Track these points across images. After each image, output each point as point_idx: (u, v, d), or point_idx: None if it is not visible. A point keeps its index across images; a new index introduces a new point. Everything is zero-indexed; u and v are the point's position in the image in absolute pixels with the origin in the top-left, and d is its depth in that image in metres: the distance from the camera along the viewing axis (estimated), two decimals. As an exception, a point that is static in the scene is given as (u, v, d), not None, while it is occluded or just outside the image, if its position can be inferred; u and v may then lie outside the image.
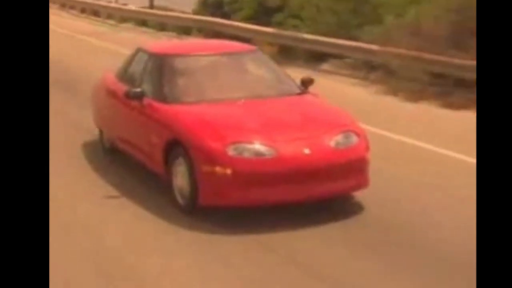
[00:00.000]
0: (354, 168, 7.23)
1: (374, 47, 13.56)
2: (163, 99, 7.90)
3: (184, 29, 21.09)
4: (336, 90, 12.14)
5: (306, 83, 8.52)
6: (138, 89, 8.16)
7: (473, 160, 6.52)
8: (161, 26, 22.96)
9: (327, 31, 15.35)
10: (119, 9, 26.71)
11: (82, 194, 7.94)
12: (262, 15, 17.66)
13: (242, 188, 6.86)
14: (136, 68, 8.77)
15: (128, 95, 8.16)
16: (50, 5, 24.31)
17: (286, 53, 15.68)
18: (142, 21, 24.30)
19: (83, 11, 28.95)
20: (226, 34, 17.11)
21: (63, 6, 30.44)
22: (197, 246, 6.55)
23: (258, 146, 6.98)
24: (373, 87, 12.95)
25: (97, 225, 7.10)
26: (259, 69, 8.72)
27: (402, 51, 12.74)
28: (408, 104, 11.78)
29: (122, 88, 8.62)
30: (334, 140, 7.20)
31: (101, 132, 9.59)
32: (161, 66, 8.27)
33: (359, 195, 7.45)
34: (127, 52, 10.03)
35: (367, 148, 7.39)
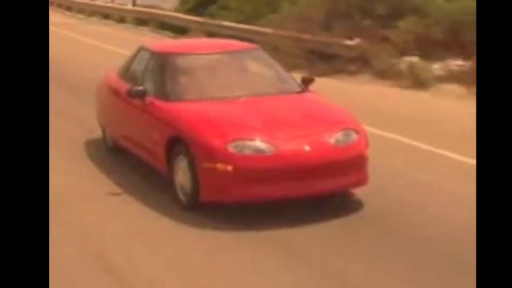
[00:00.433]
0: (354, 165, 7.29)
1: (268, 30, 16.68)
2: (165, 97, 7.97)
3: (138, 21, 25.38)
4: None
5: (306, 82, 8.59)
6: (140, 87, 8.22)
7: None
8: (122, 18, 27.02)
9: (245, 19, 18.80)
10: (88, 4, 30.67)
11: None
12: (200, 8, 21.83)
13: (243, 184, 6.92)
14: (138, 66, 8.84)
15: (130, 93, 8.22)
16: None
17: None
18: (105, 15, 28.56)
19: (59, 5, 32.74)
20: (169, 24, 22.63)
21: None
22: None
23: (258, 143, 7.05)
24: None
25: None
26: (260, 67, 8.79)
27: (287, 33, 15.72)
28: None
29: (124, 86, 8.69)
30: (334, 138, 7.27)
31: (103, 130, 9.66)
32: (163, 65, 8.33)
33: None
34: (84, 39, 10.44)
35: (366, 146, 7.46)
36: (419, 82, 12.79)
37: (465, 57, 12.80)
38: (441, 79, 12.69)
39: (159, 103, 7.96)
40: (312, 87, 8.53)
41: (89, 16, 29.56)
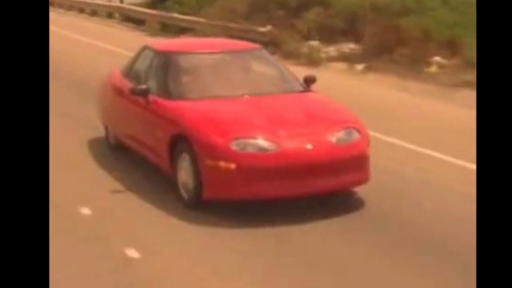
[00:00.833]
0: (355, 164, 7.34)
1: (202, 20, 20.26)
2: (168, 95, 8.02)
3: (108, 14, 27.92)
4: None
5: (308, 81, 8.64)
6: (144, 86, 8.27)
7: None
8: (94, 12, 29.43)
9: (190, 11, 21.92)
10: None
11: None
12: (158, 2, 24.74)
13: (246, 182, 6.97)
14: (142, 65, 8.89)
15: (134, 92, 8.27)
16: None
17: (165, 28, 22.36)
18: (81, 9, 31.03)
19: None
20: (127, 16, 25.85)
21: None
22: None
23: (261, 141, 7.10)
24: None
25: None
26: (262, 67, 8.84)
27: (217, 22, 19.00)
28: None
29: (127, 84, 8.73)
30: (335, 136, 7.32)
31: (106, 128, 9.70)
32: (166, 63, 8.38)
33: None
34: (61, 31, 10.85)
35: (367, 145, 7.51)
36: (313, 61, 15.43)
37: (356, 42, 15.66)
38: (333, 59, 15.44)
39: (162, 101, 8.01)
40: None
41: (67, 10, 31.81)
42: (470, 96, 10.79)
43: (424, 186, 8.05)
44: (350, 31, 16.06)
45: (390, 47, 14.57)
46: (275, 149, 7.05)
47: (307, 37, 16.81)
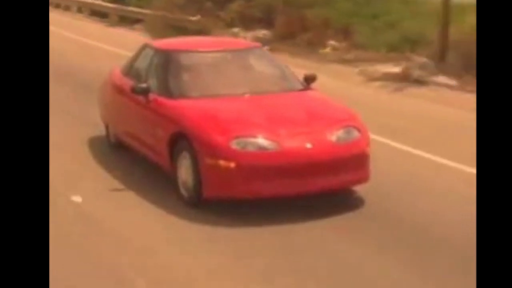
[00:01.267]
0: (355, 163, 7.35)
1: (146, 11, 23.15)
2: (169, 94, 8.03)
3: (78, 9, 29.53)
4: (128, 35, 21.32)
5: (309, 80, 8.65)
6: (144, 85, 8.27)
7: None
8: (67, 7, 30.47)
9: (143, 4, 24.12)
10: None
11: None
12: None
13: (246, 181, 6.98)
14: (142, 63, 8.90)
15: (134, 90, 8.27)
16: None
17: (123, 20, 24.71)
18: (56, 4, 31.08)
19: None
20: (94, 10, 27.62)
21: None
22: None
23: (261, 140, 7.11)
24: (141, 32, 22.06)
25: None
26: (262, 65, 8.84)
27: (158, 12, 21.88)
28: (151, 39, 16.89)
29: (128, 83, 8.74)
30: (335, 135, 7.33)
31: (107, 127, 9.71)
32: (166, 62, 8.39)
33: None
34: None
35: (367, 143, 7.52)
36: None
37: (269, 29, 18.89)
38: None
39: (162, 100, 8.02)
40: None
41: None
42: (339, 69, 14.52)
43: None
44: (265, 20, 19.28)
45: (294, 33, 17.65)
46: (275, 148, 7.05)
47: (231, 25, 20.08)
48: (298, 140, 7.19)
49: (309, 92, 8.43)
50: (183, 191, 7.44)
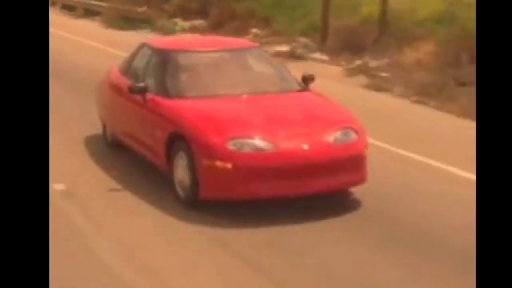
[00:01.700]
0: (352, 164, 7.33)
1: (104, 4, 25.70)
2: (166, 93, 8.01)
3: (51, 3, 29.83)
4: (88, 26, 24.16)
5: (306, 80, 8.62)
6: (142, 84, 8.25)
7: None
8: None
9: None
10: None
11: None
12: None
13: (242, 182, 6.96)
14: (140, 63, 8.88)
15: (131, 90, 8.25)
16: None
17: (87, 13, 26.40)
18: None
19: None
20: (64, 4, 29.04)
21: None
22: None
23: (257, 141, 7.10)
24: (99, 22, 24.60)
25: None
26: (260, 65, 8.82)
27: (112, 5, 24.81)
28: (105, 28, 23.55)
29: (125, 82, 8.72)
30: (333, 137, 7.31)
31: (104, 126, 9.69)
32: (164, 62, 8.37)
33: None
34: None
35: (365, 145, 7.51)
36: (169, 32, 21.14)
37: (205, 19, 21.98)
38: (186, 30, 21.58)
39: (160, 99, 8.00)
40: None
41: None
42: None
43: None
44: (202, 11, 22.46)
45: (225, 22, 20.83)
46: (271, 149, 7.04)
47: (173, 15, 23.31)
48: (295, 141, 7.18)
49: (307, 93, 8.41)
50: (179, 191, 7.42)
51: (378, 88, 13.01)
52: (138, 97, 8.24)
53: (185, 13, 22.89)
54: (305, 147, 7.13)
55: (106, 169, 8.62)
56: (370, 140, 7.72)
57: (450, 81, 12.33)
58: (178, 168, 7.41)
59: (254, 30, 19.53)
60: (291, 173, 7.03)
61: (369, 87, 13.24)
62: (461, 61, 12.71)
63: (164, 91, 8.06)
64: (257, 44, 9.55)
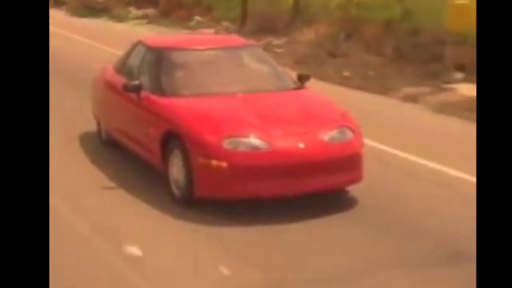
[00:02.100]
0: (348, 163, 7.31)
1: None
2: (161, 92, 7.98)
3: None
4: (56, 14, 24.61)
5: (302, 79, 8.60)
6: (136, 82, 8.22)
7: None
8: None
9: None
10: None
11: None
12: None
13: (238, 181, 6.93)
14: (135, 60, 8.85)
15: (126, 88, 8.22)
16: None
17: (57, 3, 27.59)
18: None
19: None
20: None
21: None
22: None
23: (253, 139, 7.06)
24: (64, 11, 27.15)
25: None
26: (256, 64, 8.79)
27: None
28: (70, 16, 26.25)
29: (120, 80, 8.69)
30: (328, 135, 7.28)
31: (98, 123, 9.66)
32: (159, 60, 8.34)
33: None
34: None
35: (361, 144, 7.48)
36: (123, 19, 24.49)
37: (155, 8, 25.10)
38: (139, 18, 24.58)
39: (154, 98, 7.97)
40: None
41: None
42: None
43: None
44: (153, 1, 25.36)
45: (172, 11, 23.87)
46: (267, 147, 7.01)
47: (128, 5, 26.25)
48: (290, 140, 7.15)
49: (302, 92, 8.38)
50: (174, 190, 7.39)
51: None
52: (133, 95, 8.21)
53: (139, 2, 26.24)
54: (301, 145, 7.10)
55: (101, 167, 8.58)
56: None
57: (324, 54, 15.28)
58: (173, 167, 7.38)
59: (197, 18, 22.68)
60: (287, 172, 7.00)
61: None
62: (338, 39, 15.70)
63: (159, 89, 8.02)
64: (252, 43, 9.52)
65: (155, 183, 7.81)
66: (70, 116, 10.87)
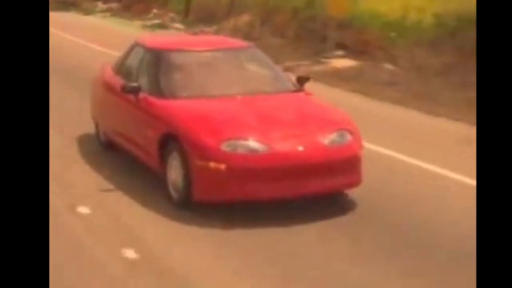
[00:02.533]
0: (348, 166, 7.27)
1: None
2: (159, 93, 7.94)
3: None
4: None
5: (302, 81, 8.57)
6: (135, 84, 8.19)
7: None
8: None
9: None
10: None
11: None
12: None
13: (236, 183, 6.89)
14: (133, 62, 8.81)
15: (125, 89, 8.18)
16: None
17: None
18: None
19: None
20: None
21: None
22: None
23: (252, 142, 7.02)
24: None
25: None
26: (255, 65, 8.77)
27: None
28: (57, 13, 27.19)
29: (118, 81, 8.65)
30: (328, 138, 7.24)
31: (97, 125, 9.62)
32: (157, 61, 8.30)
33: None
34: None
35: (360, 147, 7.45)
36: (90, 12, 28.46)
37: (118, 2, 28.67)
38: (104, 11, 28.37)
39: (153, 99, 7.93)
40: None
41: None
42: (140, 23, 25.01)
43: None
44: None
45: (133, 5, 27.03)
46: (266, 150, 6.97)
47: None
48: (289, 142, 7.11)
49: (302, 94, 8.34)
50: (172, 192, 7.35)
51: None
52: (131, 97, 8.18)
53: None
54: (300, 148, 7.06)
55: (99, 169, 8.54)
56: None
57: (241, 37, 16.78)
58: (171, 169, 7.34)
59: (155, 11, 26.32)
60: (286, 175, 6.96)
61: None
62: (254, 25, 19.20)
63: (158, 91, 7.98)
64: (251, 44, 9.48)
65: (153, 185, 7.78)
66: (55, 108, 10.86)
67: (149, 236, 6.71)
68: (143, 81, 8.23)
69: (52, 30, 17.60)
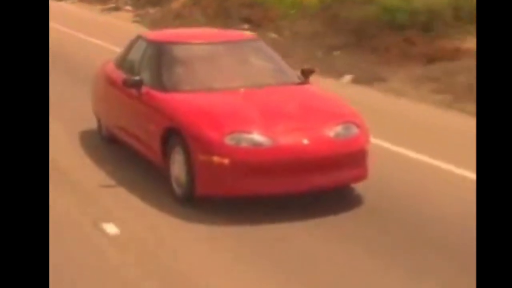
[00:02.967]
0: (354, 160, 7.16)
1: None
2: (162, 87, 7.84)
3: None
4: None
5: (306, 73, 8.45)
6: (137, 78, 8.09)
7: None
8: None
9: None
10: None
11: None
12: None
13: (240, 178, 6.79)
14: (135, 56, 8.72)
15: (127, 83, 8.09)
16: None
17: None
18: None
19: None
20: None
21: None
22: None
23: (256, 136, 6.92)
24: None
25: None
26: (259, 58, 8.65)
27: None
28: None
29: (120, 76, 8.56)
30: (333, 131, 7.13)
31: (99, 120, 9.54)
32: (159, 54, 8.20)
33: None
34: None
35: (367, 140, 7.33)
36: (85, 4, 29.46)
37: None
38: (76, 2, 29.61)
39: (155, 93, 7.83)
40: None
41: None
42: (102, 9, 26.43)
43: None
44: None
45: None
46: (270, 144, 6.86)
47: None
48: (294, 136, 7.00)
49: (306, 86, 8.24)
50: (175, 187, 7.27)
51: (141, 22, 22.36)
52: (133, 91, 8.09)
53: None
54: (305, 142, 6.95)
55: (101, 164, 8.47)
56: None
57: (175, 15, 22.01)
58: (174, 164, 7.24)
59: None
60: (291, 169, 6.85)
61: (137, 22, 22.64)
62: (187, 6, 22.60)
63: (160, 85, 7.88)
64: (255, 36, 9.37)
65: (155, 180, 7.70)
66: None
67: (152, 232, 6.63)
68: (145, 75, 8.13)
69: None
